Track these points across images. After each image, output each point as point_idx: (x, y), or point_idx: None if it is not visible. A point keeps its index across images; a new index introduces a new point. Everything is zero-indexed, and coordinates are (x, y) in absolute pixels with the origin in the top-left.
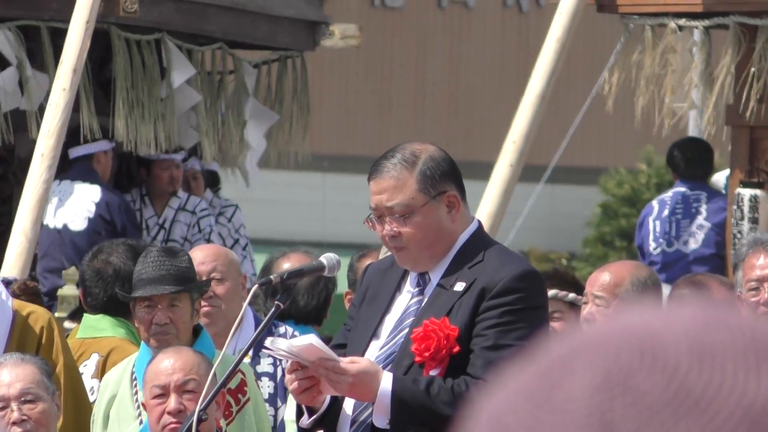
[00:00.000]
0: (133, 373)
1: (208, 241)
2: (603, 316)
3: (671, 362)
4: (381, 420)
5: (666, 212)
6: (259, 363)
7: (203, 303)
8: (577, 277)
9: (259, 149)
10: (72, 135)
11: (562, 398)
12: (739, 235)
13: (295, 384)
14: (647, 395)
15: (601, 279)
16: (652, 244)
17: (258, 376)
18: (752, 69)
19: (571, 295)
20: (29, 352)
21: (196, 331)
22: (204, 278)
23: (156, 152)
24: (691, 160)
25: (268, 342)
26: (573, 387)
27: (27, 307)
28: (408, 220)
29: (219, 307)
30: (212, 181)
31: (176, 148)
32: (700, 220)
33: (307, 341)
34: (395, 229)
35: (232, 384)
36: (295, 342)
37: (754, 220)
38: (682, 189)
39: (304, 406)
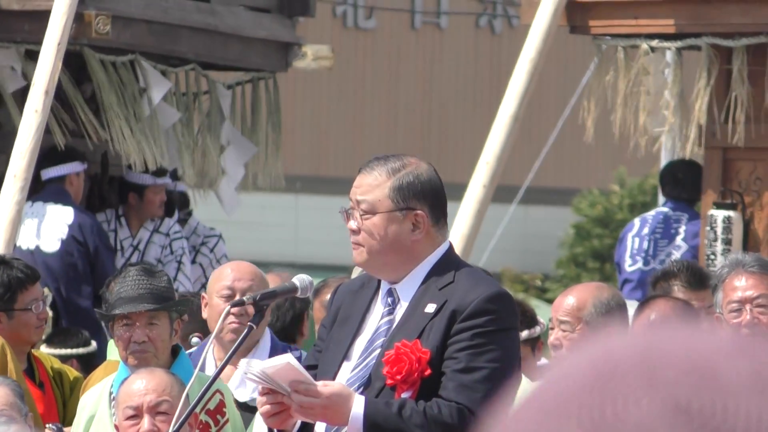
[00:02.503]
0: (111, 393)
1: (179, 263)
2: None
3: (743, 398)
4: None
5: (646, 230)
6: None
7: (232, 319)
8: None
9: (237, 177)
10: (45, 156)
11: (630, 429)
12: (712, 257)
13: (266, 407)
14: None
15: (564, 304)
16: (628, 261)
17: None
18: (734, 93)
19: (524, 333)
20: None
21: (175, 351)
22: (238, 296)
23: (144, 171)
24: (679, 182)
25: (242, 363)
26: (638, 417)
27: None
28: (368, 220)
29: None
30: (182, 202)
31: (162, 171)
32: (678, 241)
33: (284, 360)
34: (356, 224)
35: (211, 405)
36: (271, 362)
37: (727, 242)
38: (665, 209)
39: (275, 430)
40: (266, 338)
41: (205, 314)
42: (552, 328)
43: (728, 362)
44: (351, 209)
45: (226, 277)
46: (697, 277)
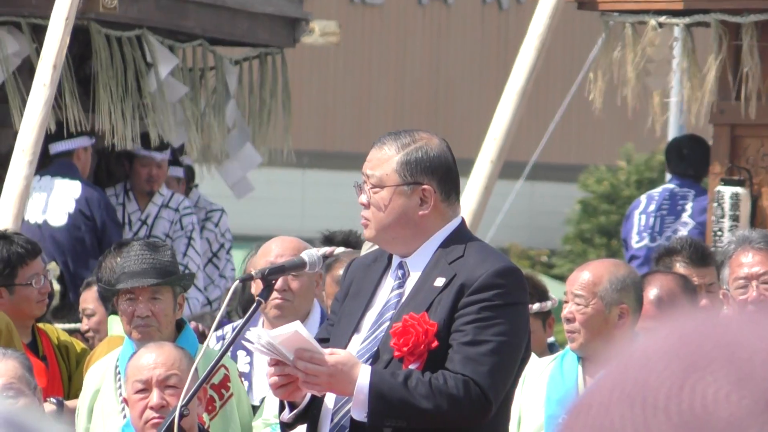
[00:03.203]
0: (116, 367)
1: (189, 239)
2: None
3: None
4: (359, 413)
5: (652, 207)
6: (235, 361)
7: (276, 295)
8: (540, 281)
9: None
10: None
11: (722, 425)
12: (719, 233)
13: (275, 378)
14: None
15: (580, 278)
16: (635, 238)
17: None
18: (745, 69)
19: (535, 306)
20: None
21: (180, 325)
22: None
23: (138, 148)
24: (685, 158)
25: (251, 334)
26: (728, 413)
27: None
28: (376, 194)
29: (291, 301)
30: (188, 176)
31: (162, 146)
32: (684, 217)
33: (292, 329)
34: (366, 198)
35: (216, 379)
36: (279, 330)
37: (734, 218)
38: (671, 186)
39: (285, 401)
40: (316, 310)
41: (253, 289)
42: (566, 302)
43: None
44: (363, 183)
45: (269, 252)
46: (700, 254)
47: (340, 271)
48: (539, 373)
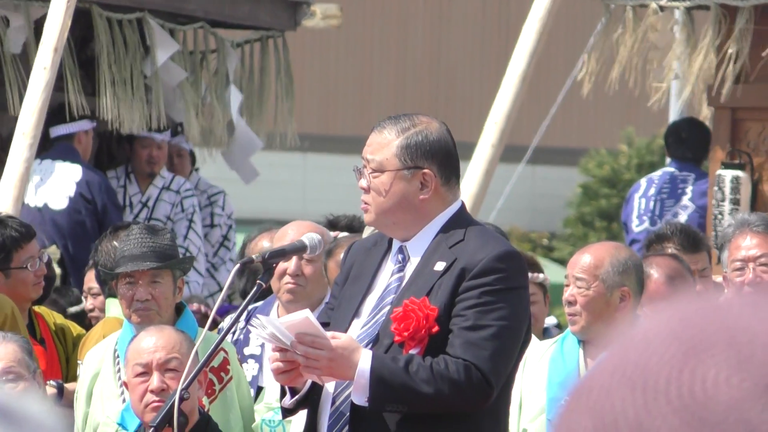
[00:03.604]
0: (115, 351)
1: (190, 221)
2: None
3: None
4: (360, 397)
5: (653, 191)
6: (247, 344)
7: (290, 280)
8: (531, 256)
9: (252, 147)
10: (53, 114)
11: (721, 408)
12: (720, 217)
13: (277, 364)
14: None
15: (581, 261)
16: (635, 221)
17: (245, 358)
18: (729, 50)
19: (541, 276)
20: None
21: (179, 309)
22: (295, 258)
23: (141, 130)
24: (684, 141)
25: (257, 321)
26: (728, 397)
27: None
28: (377, 178)
29: (304, 286)
30: (191, 160)
31: (163, 128)
32: (684, 201)
33: (302, 315)
34: (366, 182)
35: (215, 362)
36: (289, 317)
37: (735, 202)
38: (671, 169)
39: (286, 387)
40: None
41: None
42: (567, 285)
43: None
44: (363, 168)
45: (285, 237)
46: (691, 240)
47: (341, 255)
48: (540, 357)
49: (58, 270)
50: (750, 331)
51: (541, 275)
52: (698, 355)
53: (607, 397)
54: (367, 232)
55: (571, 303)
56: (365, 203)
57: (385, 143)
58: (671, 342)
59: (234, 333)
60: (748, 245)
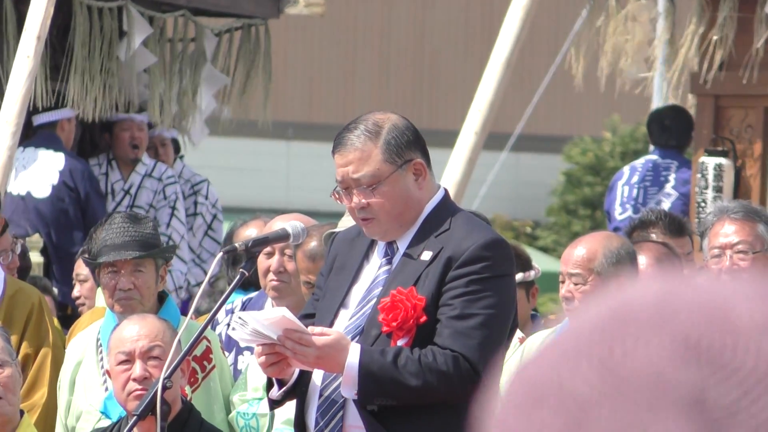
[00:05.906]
0: (98, 340)
1: (173, 209)
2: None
3: (754, 337)
4: (348, 391)
5: (636, 178)
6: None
7: (273, 277)
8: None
9: (207, 110)
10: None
11: (637, 365)
12: (703, 204)
13: (263, 358)
14: (738, 371)
15: (574, 256)
16: (618, 209)
17: (240, 350)
18: (713, 37)
19: (519, 276)
20: (15, 330)
21: (162, 297)
22: (278, 253)
23: (109, 114)
24: (666, 129)
25: (236, 318)
26: (646, 355)
27: (15, 285)
28: (376, 190)
29: (288, 282)
30: (174, 148)
31: (137, 110)
32: (668, 188)
33: (279, 313)
34: (363, 200)
35: (198, 351)
36: (266, 314)
37: (718, 189)
38: (654, 157)
39: (274, 378)
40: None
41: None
42: (562, 282)
43: (743, 304)
44: (345, 189)
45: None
46: (675, 225)
47: (312, 245)
48: (539, 346)
49: (40, 258)
50: (679, 296)
51: (532, 272)
52: (625, 322)
53: (540, 368)
54: (343, 223)
55: (568, 299)
56: (367, 219)
57: (366, 155)
58: (606, 314)
59: (228, 325)
60: (725, 232)
